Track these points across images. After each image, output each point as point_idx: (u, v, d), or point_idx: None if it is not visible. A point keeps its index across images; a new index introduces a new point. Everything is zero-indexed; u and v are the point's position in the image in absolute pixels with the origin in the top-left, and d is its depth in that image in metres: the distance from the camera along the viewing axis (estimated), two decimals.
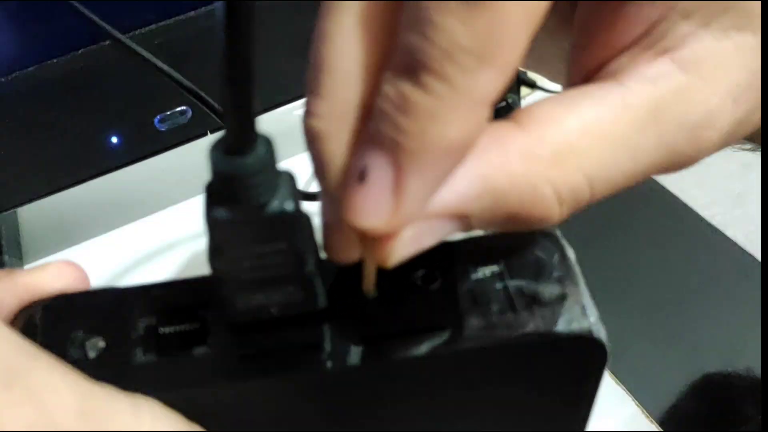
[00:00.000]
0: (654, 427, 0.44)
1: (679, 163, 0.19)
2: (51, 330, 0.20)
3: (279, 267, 0.18)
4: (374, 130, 0.16)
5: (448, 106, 0.15)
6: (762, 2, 0.18)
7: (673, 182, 0.58)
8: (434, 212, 0.17)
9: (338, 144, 0.18)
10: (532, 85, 0.63)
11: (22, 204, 0.49)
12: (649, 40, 0.19)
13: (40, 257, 0.55)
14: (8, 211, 0.53)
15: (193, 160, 0.57)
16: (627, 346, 0.48)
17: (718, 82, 0.19)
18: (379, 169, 0.16)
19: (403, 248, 0.18)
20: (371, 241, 0.18)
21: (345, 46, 0.17)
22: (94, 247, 0.55)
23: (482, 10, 0.15)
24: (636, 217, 0.57)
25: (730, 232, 0.55)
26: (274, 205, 0.17)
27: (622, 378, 0.46)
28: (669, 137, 0.19)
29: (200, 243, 0.52)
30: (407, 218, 0.17)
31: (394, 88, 0.16)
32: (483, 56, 0.15)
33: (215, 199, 0.17)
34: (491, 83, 0.16)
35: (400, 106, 0.16)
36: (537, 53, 0.25)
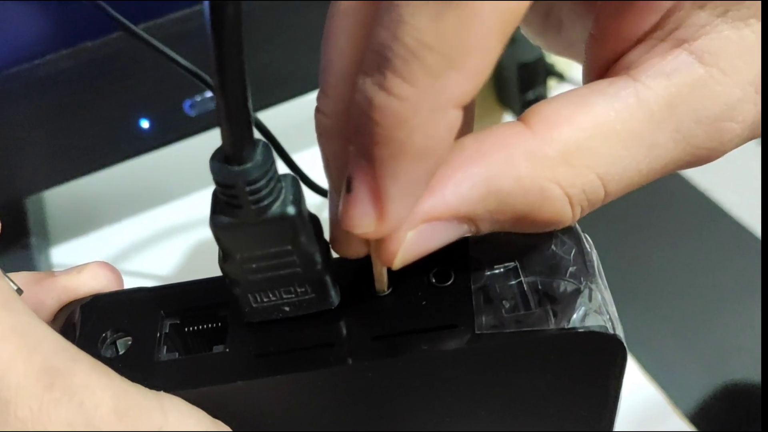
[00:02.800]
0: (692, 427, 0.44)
1: (701, 158, 0.19)
2: (87, 328, 0.21)
3: (286, 268, 0.19)
4: (352, 136, 0.16)
5: (412, 110, 0.15)
6: (762, 2, 0.17)
7: (703, 181, 0.57)
8: (436, 215, 0.17)
9: (340, 143, 0.18)
10: (561, 77, 0.62)
11: (50, 187, 0.51)
12: (663, 30, 0.18)
13: (67, 240, 0.56)
14: (35, 195, 0.54)
15: None
16: (665, 352, 0.47)
17: (739, 73, 0.18)
18: (359, 178, 0.16)
19: (406, 251, 0.18)
20: (374, 243, 0.18)
21: (344, 47, 0.17)
22: (122, 231, 0.57)
23: (453, 10, 0.14)
24: (665, 217, 0.56)
25: (760, 232, 0.53)
26: (275, 209, 0.17)
27: (664, 387, 0.46)
28: (687, 132, 0.18)
29: None
30: (395, 222, 0.17)
31: (362, 93, 0.15)
32: (450, 58, 0.15)
33: (219, 206, 0.17)
34: (458, 87, 0.15)
35: (367, 111, 0.15)
36: (566, 38, 0.24)
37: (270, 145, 0.16)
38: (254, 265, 0.18)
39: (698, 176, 0.57)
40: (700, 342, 0.48)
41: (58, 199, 0.58)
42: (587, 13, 0.22)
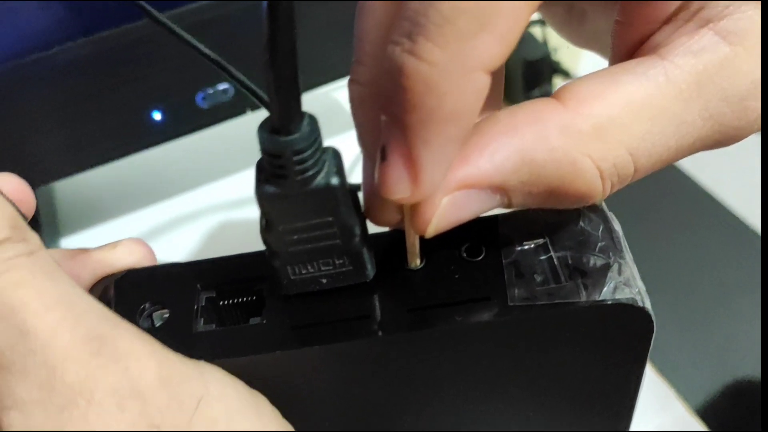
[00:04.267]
0: (702, 427, 0.44)
1: (728, 136, 0.19)
2: (123, 302, 0.21)
3: (327, 239, 0.19)
4: (384, 105, 0.17)
5: (442, 75, 0.16)
6: (762, 2, 0.18)
7: (704, 178, 0.57)
8: (471, 182, 0.18)
9: (375, 111, 0.18)
10: (567, 75, 0.62)
11: (60, 178, 0.51)
12: (688, 11, 0.19)
13: (77, 231, 0.56)
14: (45, 186, 0.54)
15: (233, 137, 0.56)
16: (670, 347, 0.48)
17: None
18: (393, 146, 0.17)
19: (440, 218, 0.18)
20: (409, 210, 0.18)
21: (381, 15, 0.18)
22: (131, 223, 0.56)
23: None
24: (666, 214, 0.56)
25: (760, 229, 0.54)
26: (320, 180, 0.18)
27: (669, 377, 0.46)
28: (715, 110, 0.18)
29: (239, 219, 0.53)
30: (429, 187, 0.17)
31: (392, 61, 0.16)
32: (482, 20, 0.15)
33: (264, 175, 0.18)
34: (487, 50, 0.16)
35: (398, 79, 0.16)
36: (590, 30, 0.25)
37: (316, 118, 0.17)
38: (296, 237, 0.19)
39: (699, 173, 0.58)
40: (705, 337, 0.48)
41: (69, 190, 0.58)
42: (611, 4, 0.23)
